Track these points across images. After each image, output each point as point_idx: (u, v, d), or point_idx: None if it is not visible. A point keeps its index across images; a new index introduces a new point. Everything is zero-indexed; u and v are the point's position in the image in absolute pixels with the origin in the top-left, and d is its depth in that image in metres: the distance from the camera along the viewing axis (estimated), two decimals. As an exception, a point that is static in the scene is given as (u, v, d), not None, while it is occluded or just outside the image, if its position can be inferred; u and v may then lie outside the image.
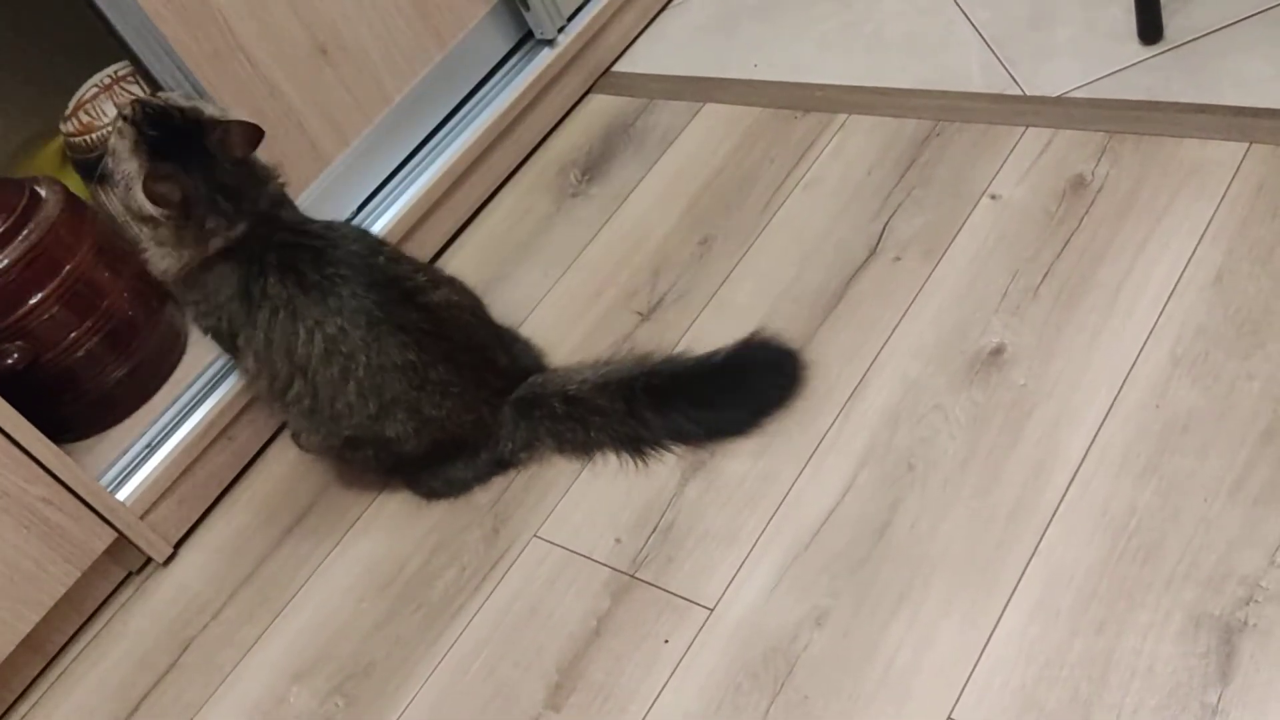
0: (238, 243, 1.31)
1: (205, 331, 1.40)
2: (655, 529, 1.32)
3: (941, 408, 1.30)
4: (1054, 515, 1.17)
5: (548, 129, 1.86)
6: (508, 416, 1.40)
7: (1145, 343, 1.26)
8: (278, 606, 1.44)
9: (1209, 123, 1.42)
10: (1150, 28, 1.53)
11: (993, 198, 1.47)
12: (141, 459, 1.52)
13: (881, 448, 1.29)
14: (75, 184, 1.62)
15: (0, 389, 1.36)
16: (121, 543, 1.49)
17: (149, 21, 1.41)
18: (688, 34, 1.93)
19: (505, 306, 1.51)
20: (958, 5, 1.73)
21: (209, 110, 1.32)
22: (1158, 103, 1.47)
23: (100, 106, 1.57)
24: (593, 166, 1.79)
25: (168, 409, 1.55)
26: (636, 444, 1.38)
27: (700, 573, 1.27)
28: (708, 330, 1.48)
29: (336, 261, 1.32)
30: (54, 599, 1.42)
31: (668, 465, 1.37)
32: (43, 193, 1.49)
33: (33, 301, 1.45)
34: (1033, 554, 1.15)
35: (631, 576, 1.29)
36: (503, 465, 1.44)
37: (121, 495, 1.48)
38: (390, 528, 1.46)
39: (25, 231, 1.44)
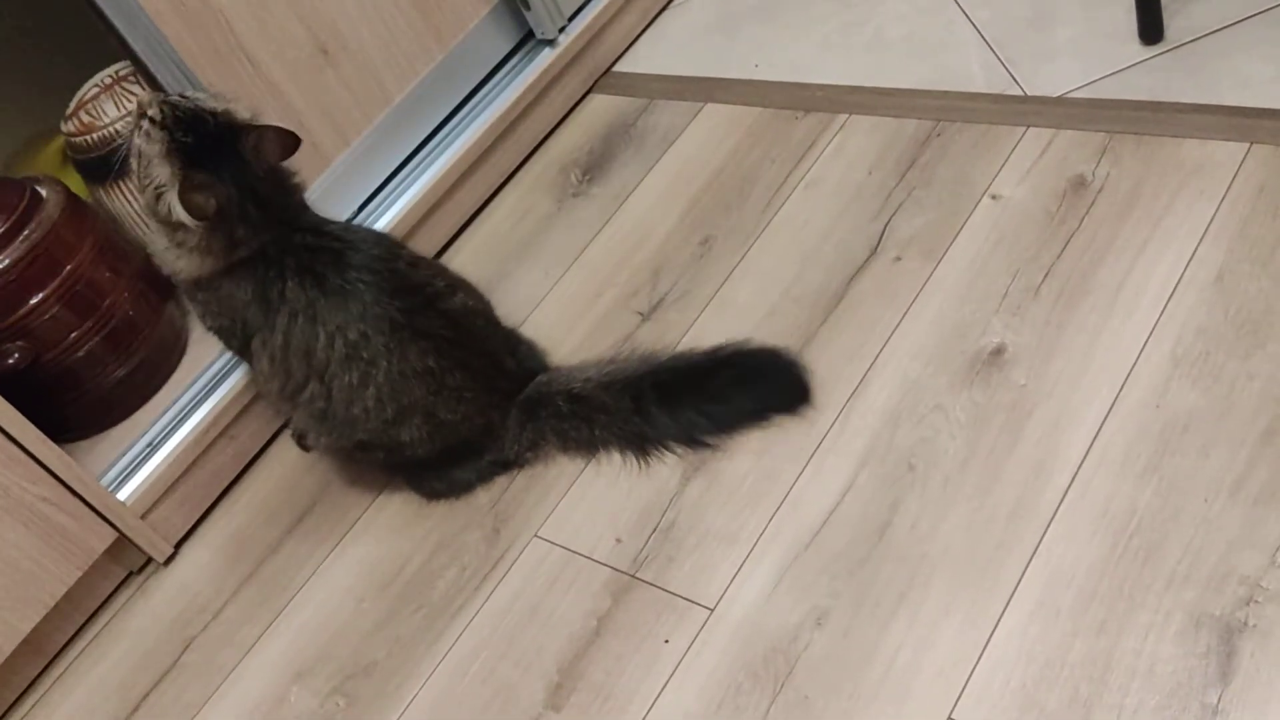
0: (259, 249, 1.30)
1: (212, 330, 1.39)
2: (656, 529, 1.32)
3: (942, 408, 1.30)
4: (1054, 515, 1.17)
5: (548, 129, 1.86)
6: (513, 418, 1.40)
7: (1146, 343, 1.26)
8: (278, 606, 1.44)
9: (1210, 123, 1.42)
10: (1151, 28, 1.53)
11: (993, 198, 1.47)
12: (142, 459, 1.52)
13: (882, 448, 1.29)
14: (76, 184, 1.62)
15: (1, 388, 1.36)
16: (122, 542, 1.49)
17: (150, 21, 1.41)
18: (688, 34, 1.93)
19: (506, 306, 1.51)
20: (958, 5, 1.73)
21: (241, 114, 1.29)
22: (1158, 103, 1.47)
23: (101, 106, 1.57)
24: (593, 166, 1.79)
25: (168, 409, 1.55)
26: (640, 442, 1.38)
27: (701, 573, 1.27)
28: (708, 330, 1.48)
29: (358, 266, 1.31)
30: (55, 598, 1.42)
31: (668, 465, 1.37)
32: (43, 193, 1.49)
33: (33, 301, 1.45)
34: (1033, 554, 1.15)
35: (632, 576, 1.29)
36: (506, 466, 1.44)
37: (122, 495, 1.48)
38: (391, 528, 1.46)
39: (26, 231, 1.44)
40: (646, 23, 1.96)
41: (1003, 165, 1.50)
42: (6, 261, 1.42)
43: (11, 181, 1.52)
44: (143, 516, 1.49)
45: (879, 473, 1.27)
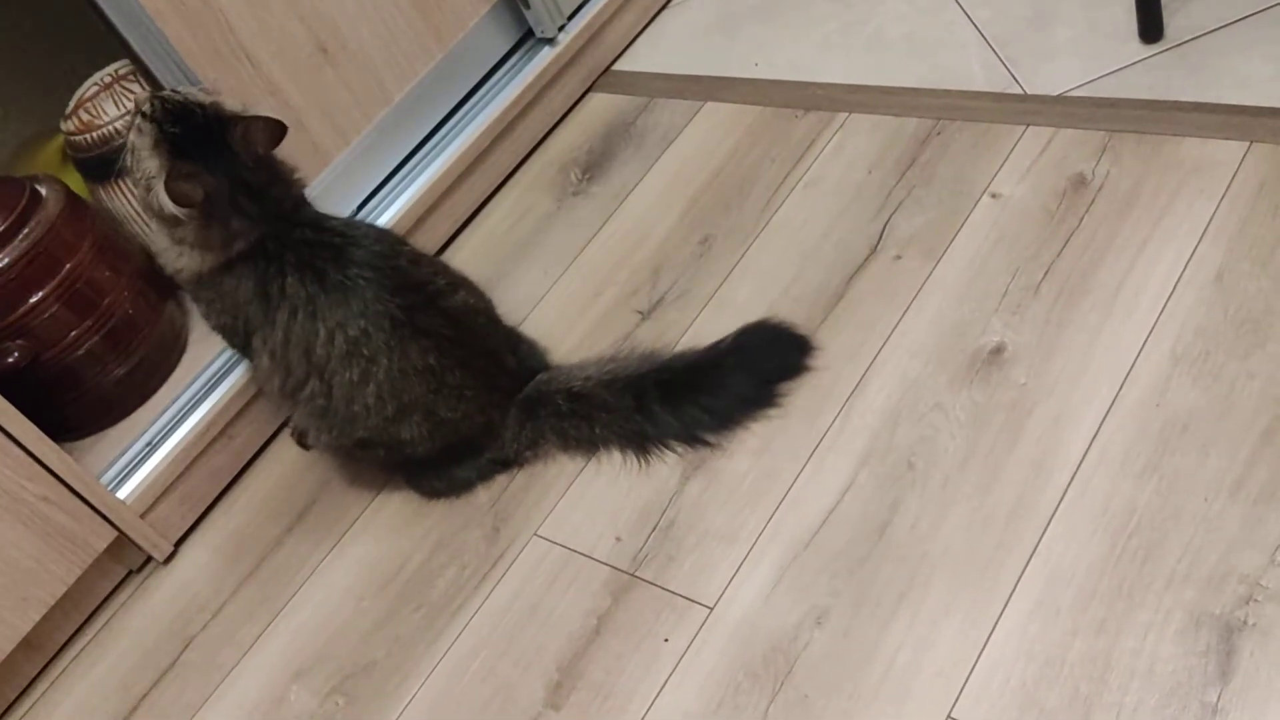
0: (257, 243, 1.30)
1: (215, 329, 1.40)
2: (655, 528, 1.32)
3: (942, 407, 1.30)
4: (1054, 514, 1.17)
5: (548, 128, 1.86)
6: (513, 416, 1.40)
7: (1145, 342, 1.26)
8: (278, 605, 1.44)
9: (1209, 122, 1.42)
10: (1151, 27, 1.53)
11: (993, 196, 1.47)
12: (142, 457, 1.52)
13: (882, 447, 1.29)
14: (76, 182, 1.62)
15: (1, 387, 1.36)
16: (122, 541, 1.49)
17: (150, 20, 1.41)
18: (688, 33, 1.93)
19: (506, 305, 1.51)
20: (958, 4, 1.73)
21: (230, 106, 1.30)
22: (1158, 102, 1.47)
23: (101, 105, 1.57)
24: (593, 165, 1.79)
25: (168, 407, 1.55)
26: (641, 441, 1.38)
27: (700, 572, 1.27)
28: (708, 329, 1.48)
29: (360, 263, 1.31)
30: (54, 597, 1.42)
31: (668, 464, 1.37)
32: (43, 191, 1.49)
33: (33, 300, 1.45)
34: (1033, 553, 1.15)
35: (632, 575, 1.29)
36: (506, 464, 1.44)
37: (122, 494, 1.48)
38: (390, 527, 1.46)
39: (26, 230, 1.44)
40: (646, 21, 1.96)
41: (1003, 164, 1.50)
42: (6, 260, 1.42)
43: (11, 180, 1.52)
44: (142, 515, 1.49)
45: (879, 472, 1.27)
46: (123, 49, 1.46)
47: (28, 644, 1.43)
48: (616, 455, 1.39)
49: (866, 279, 1.45)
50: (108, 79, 1.59)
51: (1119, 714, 1.03)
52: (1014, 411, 1.26)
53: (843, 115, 1.66)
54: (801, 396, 1.36)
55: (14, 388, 1.37)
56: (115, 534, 1.47)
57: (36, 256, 1.44)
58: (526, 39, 1.84)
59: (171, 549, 1.54)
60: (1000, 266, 1.40)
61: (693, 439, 1.36)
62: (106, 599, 1.54)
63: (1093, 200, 1.41)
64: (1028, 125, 1.53)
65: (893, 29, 1.75)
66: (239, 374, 1.55)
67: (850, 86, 1.70)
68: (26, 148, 1.75)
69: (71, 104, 1.59)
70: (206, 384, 1.57)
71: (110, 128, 1.55)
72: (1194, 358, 1.23)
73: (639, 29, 1.95)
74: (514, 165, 1.83)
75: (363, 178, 1.70)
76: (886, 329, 1.39)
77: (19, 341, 1.44)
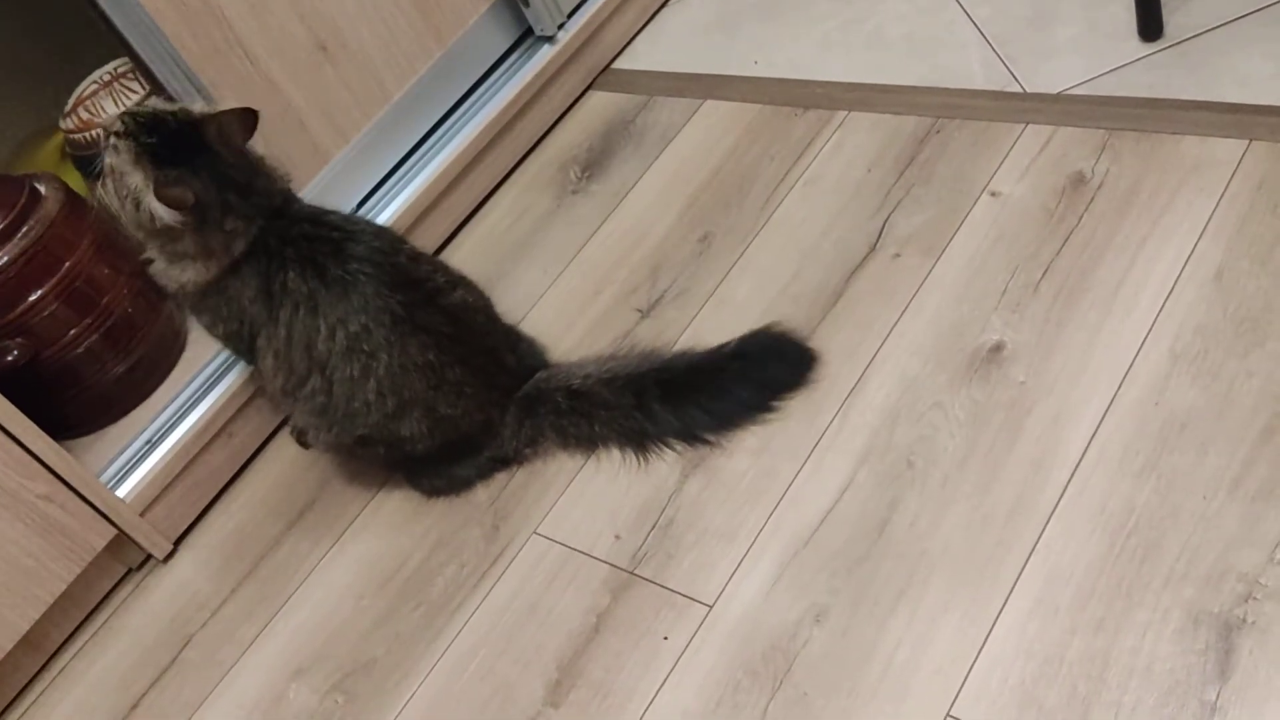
0: (256, 241, 1.30)
1: (220, 338, 1.39)
2: (655, 526, 1.32)
3: (941, 405, 1.30)
4: (1053, 513, 1.17)
5: (547, 126, 1.86)
6: (513, 414, 1.41)
7: (1145, 340, 1.26)
8: (277, 603, 1.44)
9: (1209, 120, 1.42)
10: (1150, 25, 1.53)
11: (993, 195, 1.47)
12: (141, 456, 1.52)
13: (881, 445, 1.29)
14: (75, 181, 1.62)
15: (0, 385, 1.36)
16: (121, 539, 1.49)
17: (149, 18, 1.41)
18: (688, 31, 1.93)
19: (505, 304, 1.51)
20: (958, 3, 1.73)
21: (197, 107, 1.30)
22: (1158, 100, 1.47)
23: (100, 103, 1.57)
24: (592, 164, 1.79)
25: (167, 406, 1.55)
26: (640, 439, 1.38)
27: (700, 570, 1.27)
28: (707, 327, 1.48)
29: (359, 258, 1.31)
30: (54, 596, 1.42)
31: (667, 462, 1.37)
32: (42, 189, 1.49)
33: (32, 298, 1.45)
34: (1032, 551, 1.15)
35: (631, 573, 1.29)
36: (506, 462, 1.44)
37: (121, 492, 1.48)
38: (390, 525, 1.46)
39: (25, 228, 1.44)
40: (646, 19, 1.96)
41: (1002, 162, 1.50)
42: (5, 258, 1.42)
43: (10, 178, 1.52)
44: (142, 513, 1.49)
45: (878, 470, 1.27)
46: (122, 47, 1.46)
47: (27, 642, 1.43)
48: (616, 453, 1.40)
49: (865, 277, 1.45)
50: (107, 77, 1.59)
51: (1118, 712, 1.03)
52: (1013, 410, 1.26)
53: (842, 114, 1.66)
54: (801, 395, 1.36)
55: (13, 386, 1.37)
56: (115, 532, 1.47)
57: (36, 255, 1.44)
58: (526, 37, 1.83)
59: (171, 547, 1.54)
60: (999, 265, 1.40)
61: (692, 437, 1.36)
62: (106, 597, 1.54)
63: (1092, 198, 1.41)
64: (1027, 124, 1.53)
65: (892, 28, 1.75)
66: (238, 372, 1.55)
67: (850, 85, 1.70)
68: (25, 146, 1.75)
69: (71, 102, 1.59)
70: (206, 382, 1.56)
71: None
72: (1193, 356, 1.23)
73: (638, 27, 1.95)
74: (513, 163, 1.83)
75: (362, 176, 1.70)
76: (885, 327, 1.39)
77: (18, 340, 1.44)
